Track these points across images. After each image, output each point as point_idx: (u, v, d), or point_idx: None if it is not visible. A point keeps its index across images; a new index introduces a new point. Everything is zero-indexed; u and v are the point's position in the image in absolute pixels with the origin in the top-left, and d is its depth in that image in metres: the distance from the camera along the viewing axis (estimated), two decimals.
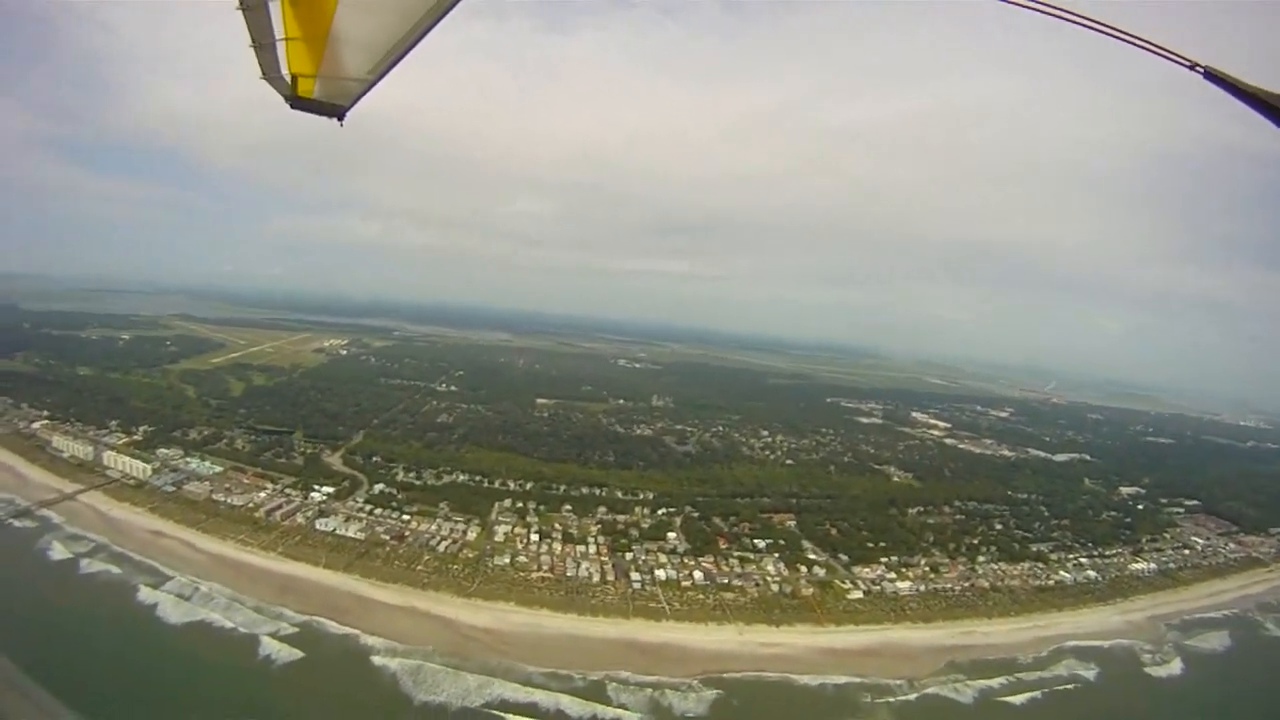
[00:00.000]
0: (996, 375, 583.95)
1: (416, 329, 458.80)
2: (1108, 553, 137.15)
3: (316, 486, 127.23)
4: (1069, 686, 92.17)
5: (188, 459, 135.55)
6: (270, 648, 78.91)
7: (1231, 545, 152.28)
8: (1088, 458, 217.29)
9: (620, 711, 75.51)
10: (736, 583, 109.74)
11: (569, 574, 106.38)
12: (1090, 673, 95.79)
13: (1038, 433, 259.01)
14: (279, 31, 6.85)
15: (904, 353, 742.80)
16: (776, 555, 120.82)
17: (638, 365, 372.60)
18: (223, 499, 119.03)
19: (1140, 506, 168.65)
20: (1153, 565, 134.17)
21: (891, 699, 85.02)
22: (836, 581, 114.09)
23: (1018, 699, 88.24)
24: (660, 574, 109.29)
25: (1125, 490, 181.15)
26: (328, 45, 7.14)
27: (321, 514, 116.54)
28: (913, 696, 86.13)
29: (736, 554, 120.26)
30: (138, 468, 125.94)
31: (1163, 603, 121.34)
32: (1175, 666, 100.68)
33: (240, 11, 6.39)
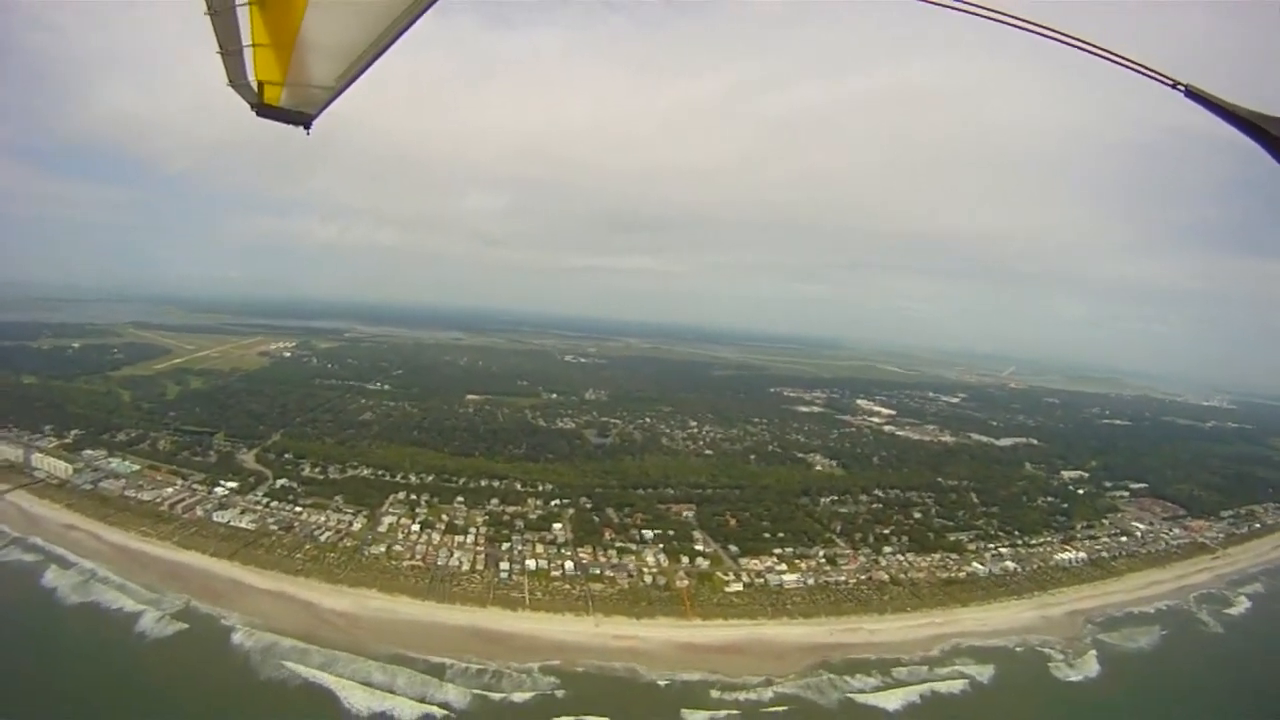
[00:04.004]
0: (955, 362, 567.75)
1: (367, 330, 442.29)
2: (1033, 542, 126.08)
3: (222, 482, 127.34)
4: (955, 689, 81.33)
5: (110, 459, 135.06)
6: (146, 625, 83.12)
7: (1176, 530, 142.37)
8: (1034, 441, 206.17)
9: (451, 689, 75.09)
10: (608, 574, 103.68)
11: (439, 563, 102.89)
12: (984, 674, 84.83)
13: (986, 417, 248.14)
14: (245, 38, 6.64)
15: (865, 343, 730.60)
16: (661, 546, 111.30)
17: (583, 360, 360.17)
18: (133, 495, 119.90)
19: (1080, 491, 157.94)
20: (1083, 554, 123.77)
21: (741, 696, 76.01)
22: (718, 573, 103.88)
23: (890, 703, 77.45)
24: (530, 564, 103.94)
25: (1067, 474, 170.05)
26: (295, 52, 6.92)
27: (221, 507, 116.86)
28: (767, 695, 76.94)
29: (618, 545, 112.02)
30: (61, 468, 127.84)
31: (1088, 596, 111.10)
32: (1089, 667, 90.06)
33: (208, 17, 6.18)
